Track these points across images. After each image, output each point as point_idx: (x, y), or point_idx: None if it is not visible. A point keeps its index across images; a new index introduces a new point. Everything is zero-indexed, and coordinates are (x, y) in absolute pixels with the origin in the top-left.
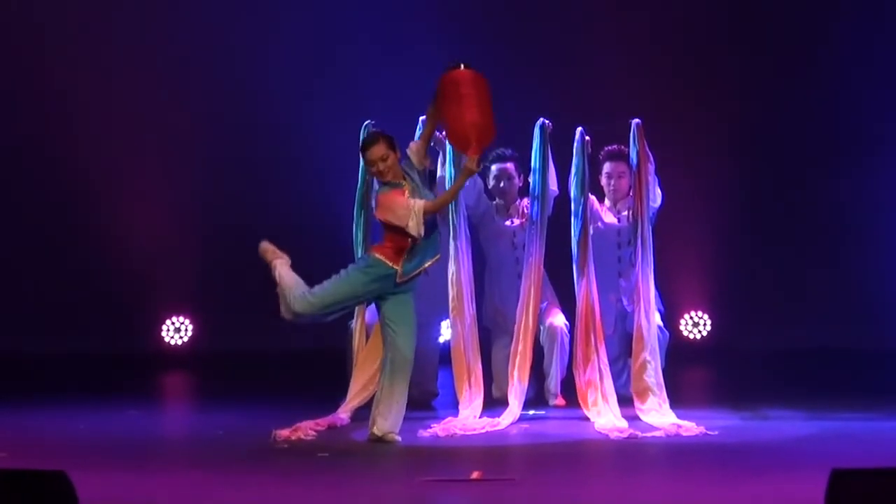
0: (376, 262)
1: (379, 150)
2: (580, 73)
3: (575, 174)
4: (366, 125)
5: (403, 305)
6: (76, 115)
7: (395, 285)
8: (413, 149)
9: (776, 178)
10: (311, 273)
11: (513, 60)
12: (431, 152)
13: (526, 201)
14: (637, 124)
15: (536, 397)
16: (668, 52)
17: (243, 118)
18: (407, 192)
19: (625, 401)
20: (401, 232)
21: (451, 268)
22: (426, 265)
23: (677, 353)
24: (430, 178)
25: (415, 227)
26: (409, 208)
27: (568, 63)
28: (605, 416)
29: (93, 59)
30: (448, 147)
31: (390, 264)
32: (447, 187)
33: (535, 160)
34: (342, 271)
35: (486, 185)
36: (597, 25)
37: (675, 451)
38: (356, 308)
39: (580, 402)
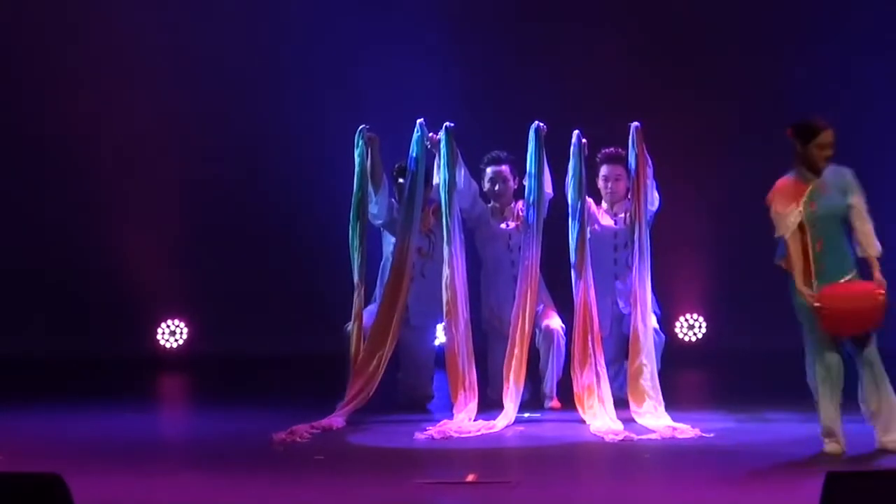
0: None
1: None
2: (577, 76)
3: (572, 177)
4: (360, 129)
5: None
6: (73, 120)
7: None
8: None
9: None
10: (307, 277)
11: (509, 63)
12: (428, 155)
13: (521, 204)
14: (636, 128)
15: (532, 400)
16: (666, 55)
17: (240, 122)
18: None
19: (620, 403)
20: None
21: (446, 272)
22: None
23: (673, 356)
24: (426, 181)
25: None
26: None
27: (565, 65)
28: (600, 419)
29: (92, 65)
30: (444, 150)
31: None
32: (441, 192)
33: (530, 164)
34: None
35: (481, 188)
36: (595, 28)
37: (670, 454)
38: (354, 311)
39: (577, 404)
